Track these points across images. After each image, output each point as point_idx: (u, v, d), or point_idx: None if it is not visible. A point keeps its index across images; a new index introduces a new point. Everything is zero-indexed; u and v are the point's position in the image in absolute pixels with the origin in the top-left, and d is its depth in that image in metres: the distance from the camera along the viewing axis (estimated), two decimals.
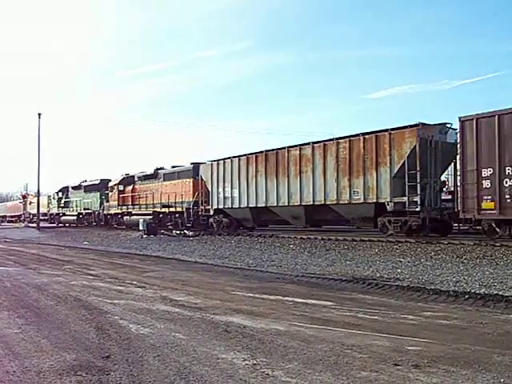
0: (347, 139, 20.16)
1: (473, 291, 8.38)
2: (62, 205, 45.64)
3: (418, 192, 17.68)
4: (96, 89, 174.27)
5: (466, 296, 8.15)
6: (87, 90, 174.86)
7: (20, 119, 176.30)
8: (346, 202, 19.96)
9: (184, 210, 28.84)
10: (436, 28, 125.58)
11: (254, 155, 24.58)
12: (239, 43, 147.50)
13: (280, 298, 8.33)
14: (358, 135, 19.87)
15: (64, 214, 46.04)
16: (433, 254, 14.31)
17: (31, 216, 54.17)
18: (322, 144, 21.20)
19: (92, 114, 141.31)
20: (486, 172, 15.36)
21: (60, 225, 45.87)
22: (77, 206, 43.18)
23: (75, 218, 43.36)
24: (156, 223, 29.15)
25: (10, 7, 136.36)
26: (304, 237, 20.65)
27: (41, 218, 46.58)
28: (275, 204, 23.22)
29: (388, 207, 18.58)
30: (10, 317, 6.89)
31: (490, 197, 15.21)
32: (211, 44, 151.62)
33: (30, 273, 12.16)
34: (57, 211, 47.63)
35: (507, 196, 14.78)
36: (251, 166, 24.55)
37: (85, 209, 41.72)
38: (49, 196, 51.42)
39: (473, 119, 15.80)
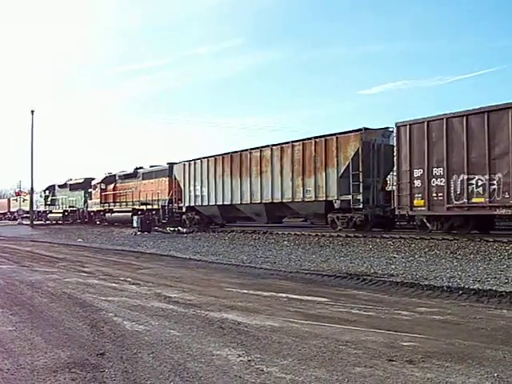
0: (301, 142, 21.89)
1: (467, 287, 8.40)
2: (49, 202, 46.82)
3: (361, 191, 19.39)
4: (90, 86, 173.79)
5: (460, 291, 8.17)
6: (81, 87, 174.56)
7: (15, 117, 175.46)
8: (300, 200, 21.66)
9: (160, 207, 30.40)
10: (429, 24, 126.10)
11: (220, 156, 26.20)
12: (233, 40, 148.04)
13: (274, 294, 8.33)
14: (310, 139, 21.53)
15: (50, 212, 47.23)
16: (427, 249, 14.34)
17: (21, 214, 54.10)
18: (279, 146, 22.83)
19: (86, 112, 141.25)
20: (417, 172, 17.11)
21: (47, 222, 46.78)
22: (63, 204, 44.75)
23: (61, 215, 44.78)
24: (150, 220, 29.20)
25: (8, 5, 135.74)
26: (298, 233, 20.68)
27: (27, 215, 48.42)
28: (239, 202, 24.91)
29: (335, 205, 20.26)
30: (3, 314, 6.87)
31: (420, 195, 17.02)
32: (205, 41, 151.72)
33: (23, 270, 12.12)
34: (44, 209, 48.81)
35: (434, 194, 16.56)
36: (218, 166, 26.20)
37: (70, 206, 43.32)
38: (36, 194, 51.94)
39: (407, 125, 17.51)
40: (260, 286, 9.32)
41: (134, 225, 28.56)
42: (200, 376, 4.18)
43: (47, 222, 47.19)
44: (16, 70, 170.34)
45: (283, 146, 22.61)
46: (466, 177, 15.79)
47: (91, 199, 39.65)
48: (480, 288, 8.22)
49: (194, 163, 27.90)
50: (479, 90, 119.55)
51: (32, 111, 42.09)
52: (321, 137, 21.05)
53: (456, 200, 16.07)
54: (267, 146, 23.64)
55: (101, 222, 38.24)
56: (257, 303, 7.52)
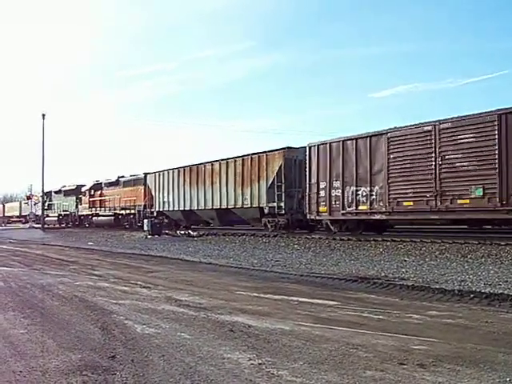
0: (241, 158, 25.98)
1: (478, 290, 8.36)
2: (46, 207, 50.59)
3: (283, 199, 23.30)
4: (96, 90, 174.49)
5: (471, 295, 8.13)
6: (87, 91, 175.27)
7: (23, 120, 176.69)
8: (240, 206, 25.79)
9: (136, 212, 35.08)
10: (441, 26, 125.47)
11: (182, 168, 30.69)
12: (239, 43, 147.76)
13: (285, 297, 8.33)
14: (248, 155, 25.58)
15: (48, 216, 50.91)
16: (437, 253, 14.28)
17: (32, 217, 54.86)
18: (226, 161, 27.09)
19: (94, 115, 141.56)
20: (322, 185, 20.79)
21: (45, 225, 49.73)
22: (58, 208, 49.74)
23: (56, 218, 49.94)
24: (161, 223, 29.53)
25: (11, 7, 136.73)
26: (308, 237, 20.69)
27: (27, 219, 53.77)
28: (197, 208, 29.19)
29: (265, 210, 24.29)
30: (15, 317, 6.91)
31: (324, 203, 20.67)
32: (209, 45, 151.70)
33: (35, 273, 12.19)
34: (37, 213, 54.56)
35: (333, 202, 20.26)
36: (181, 177, 30.62)
37: (64, 211, 48.22)
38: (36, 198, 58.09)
39: (315, 145, 21.23)
40: (270, 289, 9.32)
41: (145, 228, 28.70)
42: (211, 379, 4.19)
43: (44, 225, 49.63)
44: (21, 72, 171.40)
45: (228, 160, 26.93)
46: (355, 188, 19.42)
47: (81, 204, 44.12)
48: (491, 292, 8.17)
49: (163, 174, 32.42)
50: (491, 92, 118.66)
51: (43, 115, 42.33)
52: (254, 154, 25.20)
53: (348, 207, 19.75)
54: (217, 160, 27.90)
55: (89, 224, 42.59)
56: (267, 306, 7.52)
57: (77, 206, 45.06)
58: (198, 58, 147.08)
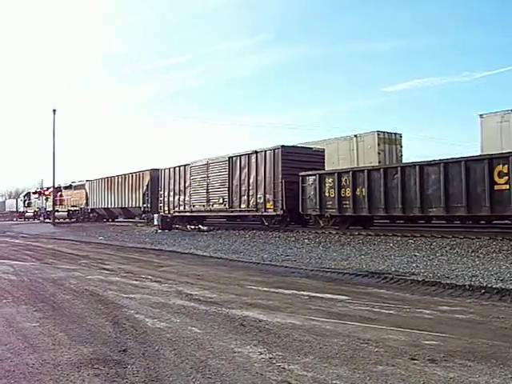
0: (130, 174, 37.86)
1: (489, 286, 8.32)
2: (26, 205, 64.34)
3: (149, 201, 34.97)
4: (108, 84, 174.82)
5: (483, 290, 8.09)
6: (99, 85, 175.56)
7: (34, 115, 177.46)
8: (131, 206, 37.91)
9: (79, 209, 48.44)
10: (455, 19, 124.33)
11: (105, 179, 42.77)
12: (253, 37, 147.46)
13: (295, 292, 8.34)
14: (134, 172, 37.55)
15: (26, 212, 64.21)
16: (448, 248, 14.22)
17: (43, 212, 56.15)
18: (124, 175, 38.97)
19: (107, 110, 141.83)
20: (165, 193, 32.55)
21: (20, 219, 63.25)
22: (34, 206, 61.64)
23: (32, 214, 61.51)
24: (169, 218, 29.65)
25: (20, 2, 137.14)
26: (319, 231, 20.62)
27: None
28: (111, 206, 41.47)
29: (142, 209, 36.31)
30: (27, 310, 6.96)
31: (166, 205, 32.38)
32: (224, 38, 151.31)
33: (46, 267, 12.26)
34: (22, 210, 66.42)
35: (170, 205, 31.82)
36: (104, 184, 42.45)
37: (37, 208, 59.57)
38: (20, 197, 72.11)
39: (163, 169, 32.76)
40: (281, 283, 9.33)
41: (155, 223, 28.80)
42: (222, 373, 4.20)
43: (19, 219, 64.64)
44: (33, 69, 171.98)
45: (126, 175, 38.69)
46: (178, 197, 30.80)
47: (48, 202, 54.65)
48: (503, 287, 8.13)
49: (93, 182, 44.99)
50: (508, 85, 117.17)
51: (54, 110, 42.46)
52: (137, 172, 37.17)
53: (176, 208, 31.10)
54: (120, 175, 39.69)
55: (54, 217, 52.32)
56: (278, 301, 7.53)
57: (46, 204, 56.59)
58: (210, 53, 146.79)
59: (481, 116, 20.68)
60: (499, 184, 14.95)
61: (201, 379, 4.07)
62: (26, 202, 64.40)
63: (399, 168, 18.29)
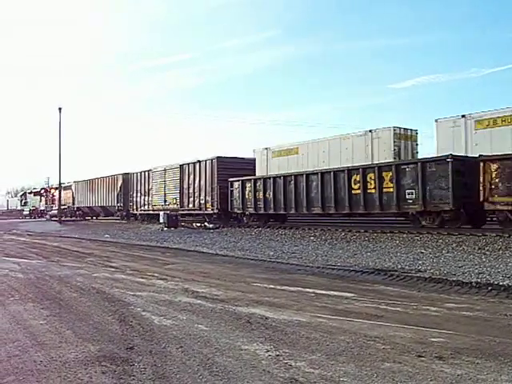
0: (107, 177, 41.91)
1: (496, 283, 8.30)
2: (23, 204, 69.28)
3: (122, 201, 38.67)
4: (112, 82, 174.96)
5: (489, 288, 8.07)
6: (104, 83, 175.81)
7: (40, 113, 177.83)
8: (109, 205, 41.44)
9: (67, 207, 51.53)
10: (462, 14, 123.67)
11: (87, 181, 46.72)
12: (258, 34, 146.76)
13: (301, 289, 8.33)
14: (112, 175, 41.10)
15: (23, 210, 67.86)
16: (454, 245, 14.18)
17: (49, 210, 56.85)
18: (103, 178, 42.91)
19: (108, 108, 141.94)
20: (134, 194, 37.71)
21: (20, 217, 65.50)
22: (30, 204, 65.95)
23: (28, 212, 64.79)
24: (176, 216, 29.71)
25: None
26: (324, 228, 20.64)
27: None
28: (93, 205, 45.18)
29: (116, 207, 40.04)
30: (35, 308, 6.99)
31: (135, 204, 37.76)
32: (229, 35, 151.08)
33: (52, 265, 12.30)
34: (19, 208, 70.96)
35: (138, 204, 37.09)
36: (87, 186, 46.60)
37: (33, 206, 64.36)
38: (15, 197, 79.14)
39: (132, 174, 37.95)
40: (287, 281, 9.32)
41: (161, 220, 28.83)
42: (229, 370, 4.20)
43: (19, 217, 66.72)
44: (41, 67, 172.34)
45: (104, 178, 42.50)
46: (143, 197, 36.00)
47: (41, 201, 60.94)
48: (510, 284, 8.10)
49: (78, 183, 49.05)
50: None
51: (59, 109, 42.54)
52: (113, 175, 40.86)
53: (141, 207, 36.46)
54: (100, 177, 43.75)
55: (45, 215, 57.41)
56: (284, 298, 7.53)
57: (40, 202, 61.56)
58: (214, 51, 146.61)
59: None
60: (355, 189, 19.75)
61: (208, 376, 4.07)
62: (23, 202, 69.84)
63: (293, 176, 22.98)
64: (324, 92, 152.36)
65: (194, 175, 29.62)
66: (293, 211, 23.16)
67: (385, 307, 6.80)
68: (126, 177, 38.65)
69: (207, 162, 28.56)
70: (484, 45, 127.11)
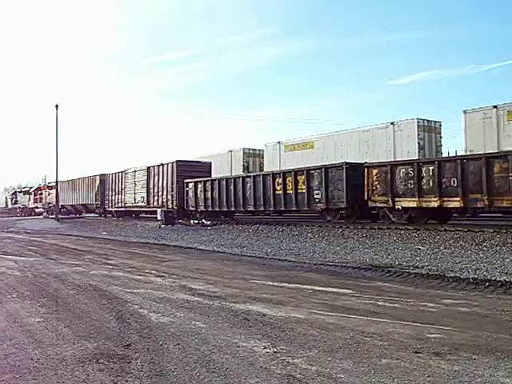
0: (87, 178, 46.21)
1: (493, 279, 8.30)
2: (14, 202, 71.74)
3: (99, 199, 42.76)
4: (116, 78, 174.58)
5: (487, 283, 8.08)
6: (106, 80, 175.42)
7: (38, 111, 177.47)
8: (89, 202, 45.44)
9: (52, 206, 51.78)
10: (460, 11, 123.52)
11: (70, 181, 50.21)
12: (260, 30, 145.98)
13: (299, 286, 8.33)
14: (93, 176, 44.73)
15: (14, 208, 70.13)
16: (452, 241, 14.20)
17: (47, 208, 57.05)
18: (83, 178, 47.36)
19: (113, 105, 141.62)
20: (110, 193, 41.53)
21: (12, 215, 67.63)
22: (20, 203, 68.67)
23: (18, 210, 67.48)
24: (173, 213, 29.87)
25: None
26: (322, 225, 20.63)
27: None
28: (76, 203, 49.25)
29: (95, 205, 44.11)
30: (32, 306, 6.98)
31: (111, 202, 41.34)
32: (233, 31, 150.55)
33: (50, 263, 12.28)
34: (10, 206, 73.85)
35: (112, 202, 41.27)
36: (70, 185, 49.92)
37: (22, 205, 67.05)
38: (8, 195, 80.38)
39: (109, 174, 41.57)
40: (284, 277, 9.33)
41: (158, 218, 28.84)
42: (226, 367, 4.20)
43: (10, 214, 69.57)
44: (40, 63, 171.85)
45: (85, 178, 46.37)
46: (117, 196, 39.39)
47: (30, 200, 63.96)
48: (507, 280, 8.11)
49: (63, 183, 49.67)
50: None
51: (56, 106, 42.49)
52: (92, 176, 44.99)
53: (116, 204, 39.83)
54: (80, 178, 48.10)
55: (35, 214, 59.04)
56: (282, 295, 7.53)
57: (29, 201, 64.45)
58: (215, 46, 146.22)
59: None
60: (277, 190, 23.16)
61: (205, 373, 4.07)
62: (13, 200, 73.08)
63: (233, 179, 26.88)
64: (322, 89, 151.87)
65: (159, 176, 33.41)
66: (233, 209, 26.70)
67: (382, 303, 6.80)
68: (103, 177, 42.84)
69: (169, 164, 32.38)
70: (482, 41, 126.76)
